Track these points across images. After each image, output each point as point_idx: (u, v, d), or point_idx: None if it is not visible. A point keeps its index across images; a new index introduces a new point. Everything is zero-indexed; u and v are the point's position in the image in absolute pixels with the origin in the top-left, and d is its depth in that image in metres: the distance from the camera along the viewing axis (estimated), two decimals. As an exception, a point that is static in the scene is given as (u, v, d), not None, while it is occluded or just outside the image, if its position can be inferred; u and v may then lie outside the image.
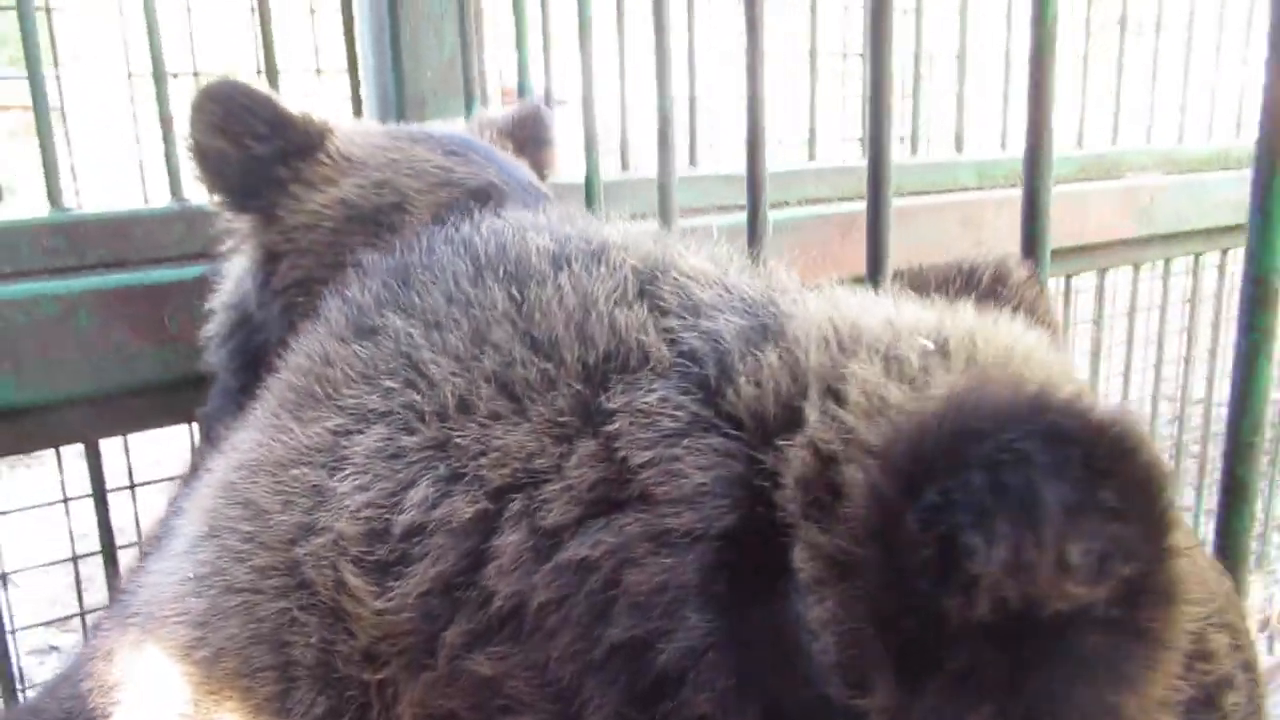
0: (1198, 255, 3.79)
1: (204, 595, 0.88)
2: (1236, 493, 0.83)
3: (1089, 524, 0.51)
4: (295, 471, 0.87)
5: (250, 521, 0.88)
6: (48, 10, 2.20)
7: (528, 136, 1.77)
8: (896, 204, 2.79)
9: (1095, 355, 3.53)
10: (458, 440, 0.79)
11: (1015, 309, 0.93)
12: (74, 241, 1.72)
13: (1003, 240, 2.95)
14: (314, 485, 0.84)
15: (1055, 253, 3.16)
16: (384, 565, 0.77)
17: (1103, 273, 3.49)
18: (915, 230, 2.75)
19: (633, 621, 0.69)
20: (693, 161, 2.50)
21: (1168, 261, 3.68)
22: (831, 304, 0.79)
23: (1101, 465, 0.51)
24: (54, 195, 1.73)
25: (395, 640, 0.76)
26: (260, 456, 0.92)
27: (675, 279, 0.88)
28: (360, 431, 0.85)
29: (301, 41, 2.01)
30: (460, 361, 0.85)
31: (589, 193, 1.54)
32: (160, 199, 1.83)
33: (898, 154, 3.09)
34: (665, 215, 1.41)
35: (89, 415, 1.75)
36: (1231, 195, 3.59)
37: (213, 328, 1.60)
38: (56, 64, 2.30)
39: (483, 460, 0.77)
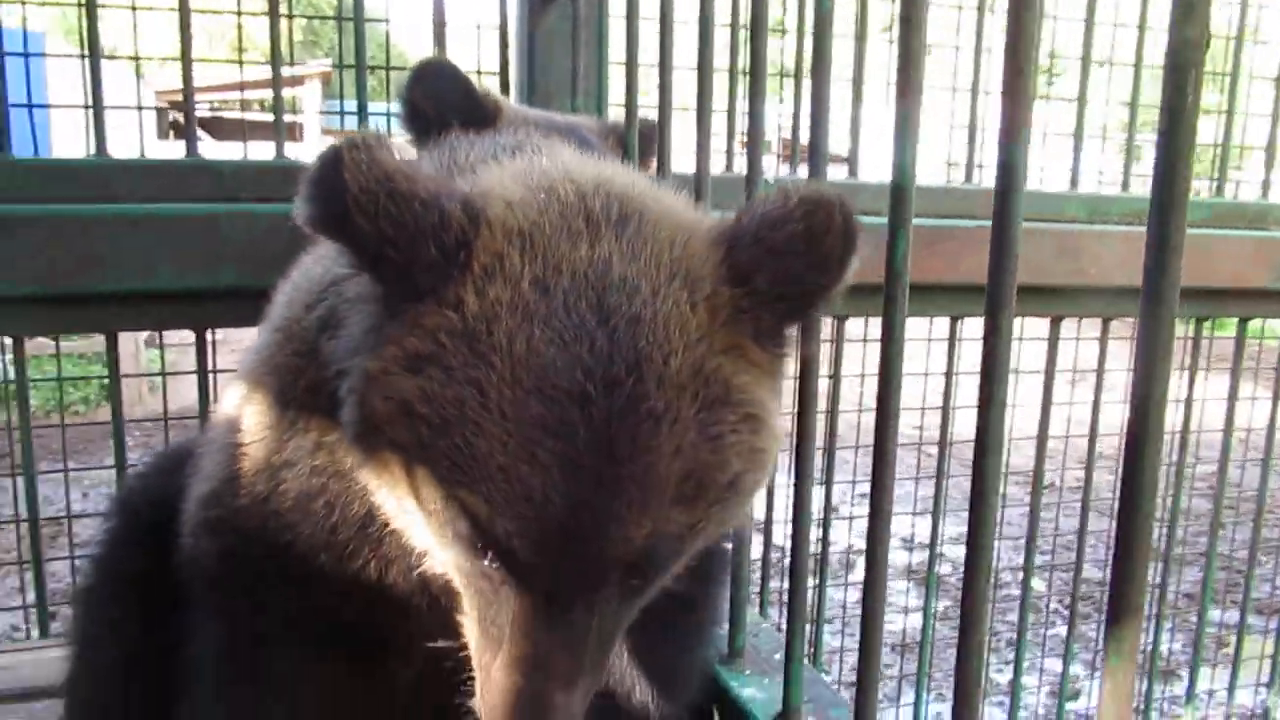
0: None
1: (260, 346, 1.46)
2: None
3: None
4: (288, 298, 1.45)
5: (275, 317, 1.46)
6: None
7: (642, 148, 2.22)
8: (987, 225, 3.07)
9: (1231, 400, 3.55)
10: None
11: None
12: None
13: (1104, 268, 3.13)
14: (289, 303, 1.42)
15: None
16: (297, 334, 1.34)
17: (1243, 322, 3.52)
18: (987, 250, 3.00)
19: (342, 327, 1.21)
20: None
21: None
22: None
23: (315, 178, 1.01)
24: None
25: (300, 350, 1.31)
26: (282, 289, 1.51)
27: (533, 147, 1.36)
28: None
29: (468, 50, 2.65)
30: None
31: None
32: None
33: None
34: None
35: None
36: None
37: None
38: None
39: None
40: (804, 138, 2.68)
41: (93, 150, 2.31)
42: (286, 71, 2.52)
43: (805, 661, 1.55)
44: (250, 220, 2.29)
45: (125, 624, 1.54)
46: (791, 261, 1.07)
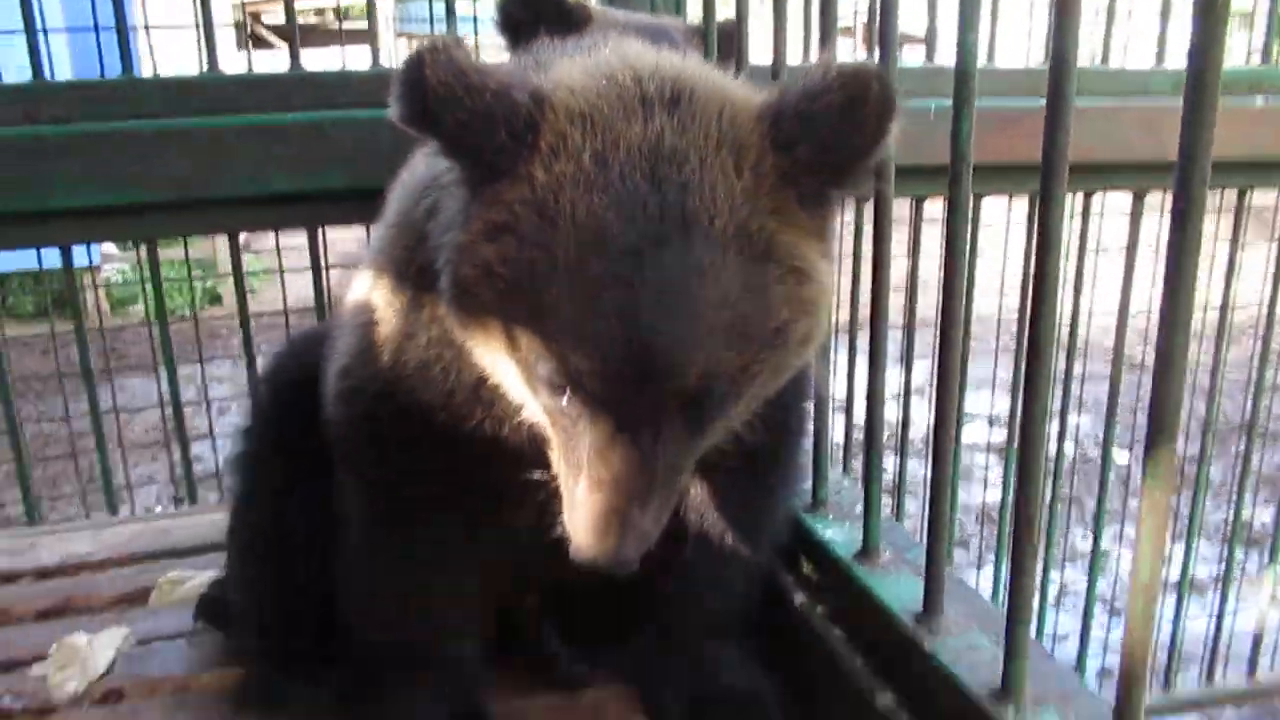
0: None
1: (379, 239, 1.62)
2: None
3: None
4: (400, 195, 1.59)
5: (390, 213, 1.61)
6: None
7: (723, 46, 2.28)
8: (1075, 104, 3.05)
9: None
10: None
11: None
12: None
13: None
14: (401, 199, 1.57)
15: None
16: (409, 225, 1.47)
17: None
18: (1087, 128, 3.00)
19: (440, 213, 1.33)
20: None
21: None
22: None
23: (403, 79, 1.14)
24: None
25: (412, 240, 1.44)
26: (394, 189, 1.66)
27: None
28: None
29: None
30: None
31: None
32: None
33: (1085, 59, 3.31)
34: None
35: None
36: None
37: None
38: None
39: None
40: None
41: (205, 67, 2.49)
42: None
43: (886, 511, 1.71)
44: (352, 126, 2.46)
45: (272, 486, 1.76)
46: (830, 130, 1.16)
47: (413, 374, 1.47)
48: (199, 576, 2.15)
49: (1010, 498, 3.33)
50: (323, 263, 2.65)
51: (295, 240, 2.72)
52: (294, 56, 2.56)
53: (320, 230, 2.63)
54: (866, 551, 1.67)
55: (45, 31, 2.47)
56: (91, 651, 1.89)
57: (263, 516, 1.77)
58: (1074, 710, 1.28)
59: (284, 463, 1.74)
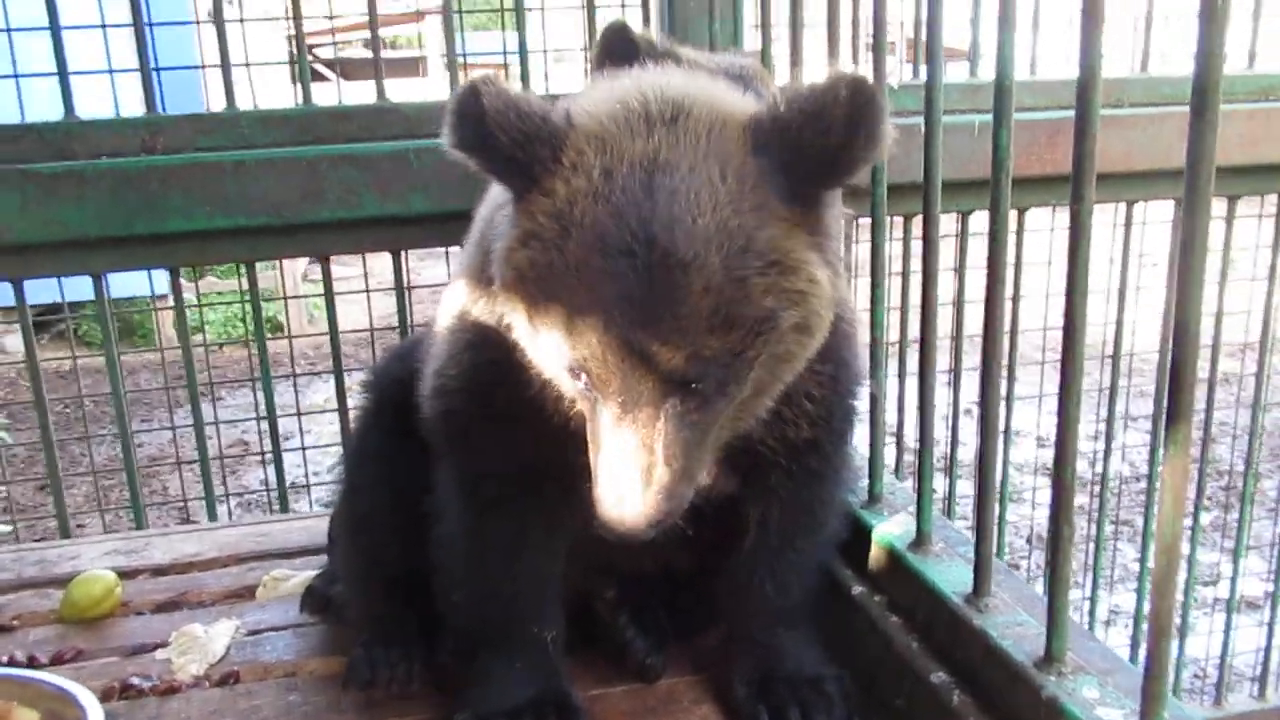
0: None
1: (465, 255, 1.80)
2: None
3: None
4: (479, 215, 1.77)
5: (473, 233, 1.78)
6: None
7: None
8: (1115, 113, 3.13)
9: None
10: None
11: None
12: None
13: (1228, 148, 3.16)
14: (480, 221, 1.74)
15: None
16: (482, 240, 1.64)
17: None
18: (1128, 137, 3.09)
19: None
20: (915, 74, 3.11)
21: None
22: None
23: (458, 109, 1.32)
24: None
25: (486, 253, 1.57)
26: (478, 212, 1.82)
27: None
28: None
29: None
30: None
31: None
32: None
33: (1125, 69, 3.38)
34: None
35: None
36: None
37: None
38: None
39: None
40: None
41: (299, 100, 2.70)
42: (409, 6, 2.85)
43: (936, 510, 1.83)
44: (434, 153, 2.61)
45: (375, 478, 1.95)
46: (804, 132, 1.29)
47: (489, 371, 1.64)
48: (300, 575, 2.33)
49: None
50: (405, 282, 2.84)
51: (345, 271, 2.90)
52: (379, 86, 2.77)
53: (403, 252, 2.82)
54: (920, 541, 1.80)
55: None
56: (208, 639, 2.08)
57: (368, 506, 1.94)
58: (1113, 680, 1.39)
59: (386, 457, 1.93)
